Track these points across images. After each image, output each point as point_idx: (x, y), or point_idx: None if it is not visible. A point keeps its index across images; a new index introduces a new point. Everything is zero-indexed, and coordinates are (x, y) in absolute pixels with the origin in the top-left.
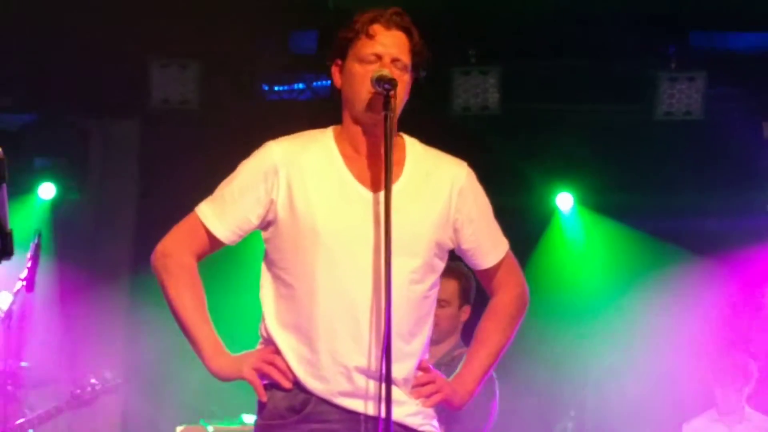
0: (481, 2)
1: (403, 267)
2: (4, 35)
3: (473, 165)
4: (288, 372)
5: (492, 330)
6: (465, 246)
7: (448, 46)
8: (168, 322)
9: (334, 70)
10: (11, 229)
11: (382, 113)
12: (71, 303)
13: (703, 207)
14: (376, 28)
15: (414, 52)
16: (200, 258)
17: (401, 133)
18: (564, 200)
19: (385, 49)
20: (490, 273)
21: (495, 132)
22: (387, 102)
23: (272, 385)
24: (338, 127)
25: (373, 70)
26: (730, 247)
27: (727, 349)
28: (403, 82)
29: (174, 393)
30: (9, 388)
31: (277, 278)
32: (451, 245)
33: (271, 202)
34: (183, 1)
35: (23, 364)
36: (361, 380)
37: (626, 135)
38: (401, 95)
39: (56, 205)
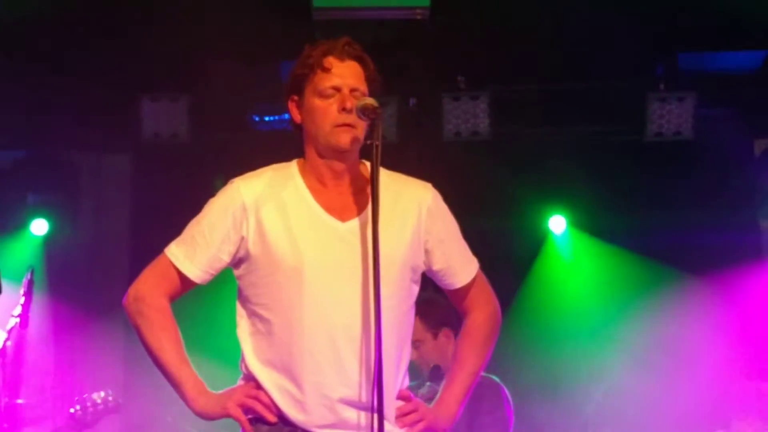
0: (469, 27)
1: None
2: None
3: (466, 190)
4: (272, 406)
5: (468, 352)
6: (436, 267)
7: (438, 72)
8: None
9: (291, 105)
10: None
11: (347, 145)
12: (66, 339)
13: (695, 226)
14: (331, 61)
15: (369, 80)
16: (173, 299)
17: (363, 161)
18: (557, 223)
19: (343, 81)
20: (462, 292)
21: (486, 156)
22: (373, 131)
23: (257, 420)
24: (301, 160)
25: (334, 102)
26: (723, 266)
27: (744, 375)
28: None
29: (171, 428)
30: (5, 425)
31: (252, 314)
32: (423, 267)
33: (242, 239)
34: (172, 34)
35: (19, 401)
36: (346, 411)
37: (617, 156)
38: (364, 125)
39: (49, 241)
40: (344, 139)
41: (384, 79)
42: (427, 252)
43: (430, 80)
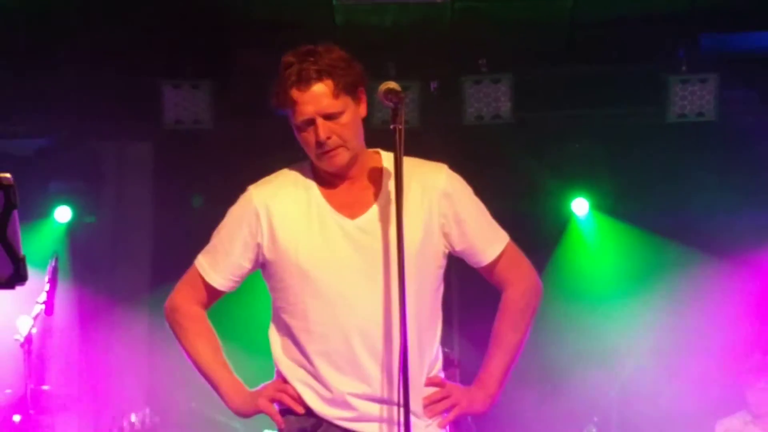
0: (490, 10)
1: (395, 289)
2: (18, 60)
3: (488, 173)
4: (299, 398)
5: (505, 328)
6: (458, 248)
7: (459, 55)
8: None
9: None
10: (24, 255)
11: (336, 167)
12: (91, 326)
13: (718, 208)
14: (295, 95)
15: (342, 90)
16: (207, 306)
17: (378, 150)
18: (579, 205)
19: (313, 110)
20: (493, 268)
21: (509, 140)
22: (395, 115)
23: (287, 411)
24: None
25: (311, 132)
26: (746, 247)
27: (753, 349)
28: (346, 122)
29: (197, 411)
30: (31, 412)
31: (277, 315)
32: (445, 250)
33: (258, 246)
34: (193, 20)
35: (45, 387)
36: (367, 407)
37: (639, 139)
38: (354, 129)
39: (72, 229)
40: (331, 163)
41: (405, 64)
42: (446, 235)
43: (451, 64)
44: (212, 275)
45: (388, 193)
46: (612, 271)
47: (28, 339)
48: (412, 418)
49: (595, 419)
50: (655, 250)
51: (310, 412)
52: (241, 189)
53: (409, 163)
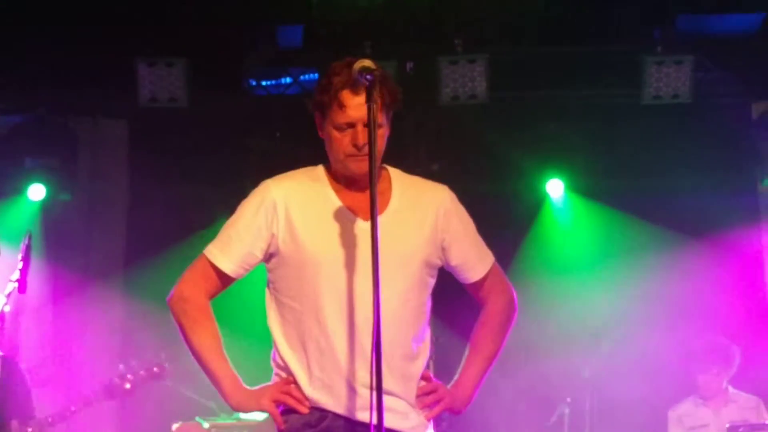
0: None
1: (396, 287)
2: None
3: (463, 153)
4: (304, 399)
5: (485, 337)
6: (454, 263)
7: (435, 35)
8: (163, 320)
9: (316, 115)
10: None
11: (357, 173)
12: (64, 303)
13: (692, 189)
14: (345, 96)
15: (385, 105)
16: (213, 297)
17: (386, 165)
18: (554, 186)
19: (357, 115)
20: (479, 285)
21: (484, 120)
22: (369, 93)
23: (289, 410)
24: (327, 164)
25: (347, 135)
26: (720, 229)
27: (706, 333)
28: (382, 136)
29: (170, 390)
30: None
31: (281, 305)
32: (439, 263)
33: (272, 236)
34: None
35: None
36: (367, 394)
37: (615, 120)
38: (381, 147)
39: (46, 206)
40: (355, 168)
41: (381, 44)
42: (444, 249)
43: (427, 44)
44: (225, 262)
45: (399, 200)
46: (586, 251)
47: (1, 317)
48: (408, 408)
49: (568, 400)
50: (630, 231)
51: (313, 405)
52: (215, 166)
53: (416, 182)
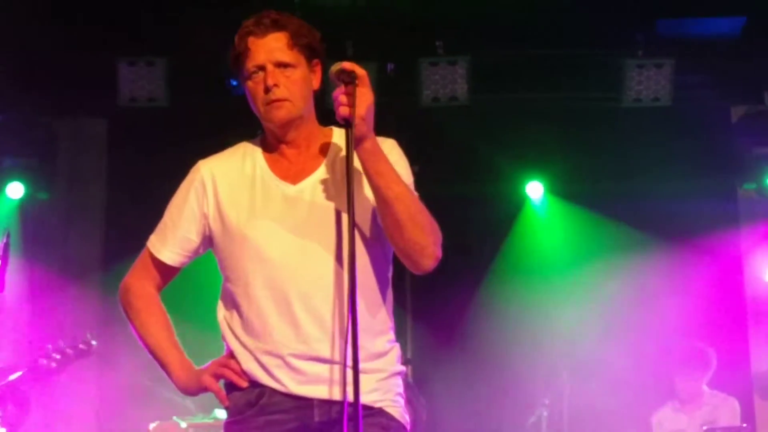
0: None
1: (329, 253)
2: None
3: (444, 156)
4: (242, 372)
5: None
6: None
7: (416, 37)
8: None
9: (240, 83)
10: None
11: (281, 120)
12: (42, 302)
13: (672, 192)
14: (251, 41)
15: (296, 44)
16: (160, 287)
17: (333, 127)
18: (534, 189)
19: (265, 57)
20: None
21: (465, 122)
22: (348, 96)
23: (232, 386)
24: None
25: (260, 81)
26: (699, 232)
27: (684, 337)
28: (296, 79)
29: (147, 389)
30: None
31: (224, 287)
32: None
33: (204, 217)
34: None
35: None
36: (306, 366)
37: (595, 122)
38: (302, 89)
39: (25, 205)
40: (277, 115)
41: (361, 45)
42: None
43: (408, 45)
44: (162, 251)
45: (333, 161)
46: (565, 254)
47: None
48: (361, 376)
49: (546, 402)
50: (609, 235)
51: (254, 383)
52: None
53: None
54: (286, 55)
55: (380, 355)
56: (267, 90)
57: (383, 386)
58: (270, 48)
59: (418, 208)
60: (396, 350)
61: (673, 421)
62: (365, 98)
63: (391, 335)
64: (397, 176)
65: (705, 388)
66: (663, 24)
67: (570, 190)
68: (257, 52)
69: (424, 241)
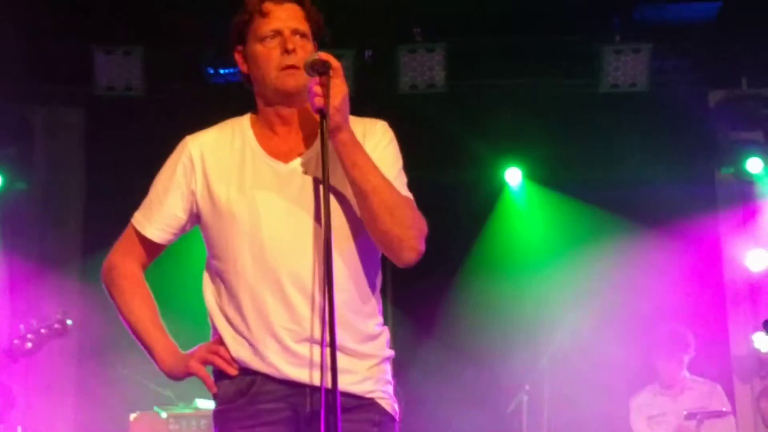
0: None
1: (319, 234)
2: None
3: (422, 142)
4: (231, 360)
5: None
6: None
7: (394, 24)
8: None
9: (237, 56)
10: None
11: (294, 87)
12: (21, 292)
13: (650, 178)
14: (269, 6)
15: (310, 20)
16: (145, 265)
17: None
18: (513, 175)
19: (283, 23)
20: None
21: (443, 109)
22: (323, 86)
23: (221, 374)
24: (253, 112)
25: (276, 46)
26: (678, 217)
27: (664, 320)
28: (307, 50)
29: (128, 379)
30: None
31: (210, 266)
32: None
33: (192, 194)
34: None
35: None
36: (299, 349)
37: (573, 108)
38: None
39: (2, 195)
40: (290, 81)
41: (339, 32)
42: None
43: (386, 32)
44: (147, 227)
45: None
46: (544, 240)
47: None
48: (349, 359)
49: (527, 388)
50: (587, 220)
51: (245, 370)
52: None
53: (354, 121)
54: (305, 26)
55: (372, 337)
56: (285, 52)
57: (375, 374)
58: (289, 15)
59: (396, 200)
60: (386, 334)
61: (653, 405)
62: (339, 89)
63: (380, 318)
64: (375, 167)
65: (686, 372)
66: (640, 9)
67: (548, 176)
68: (275, 17)
69: (403, 234)
